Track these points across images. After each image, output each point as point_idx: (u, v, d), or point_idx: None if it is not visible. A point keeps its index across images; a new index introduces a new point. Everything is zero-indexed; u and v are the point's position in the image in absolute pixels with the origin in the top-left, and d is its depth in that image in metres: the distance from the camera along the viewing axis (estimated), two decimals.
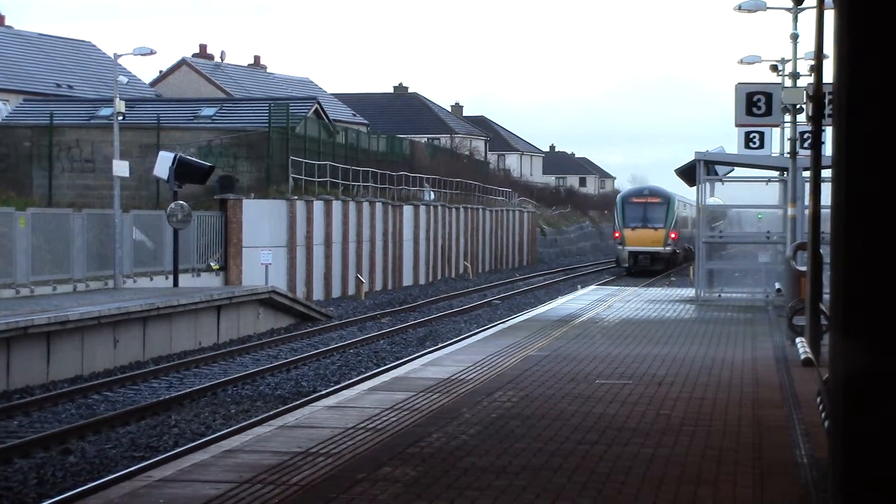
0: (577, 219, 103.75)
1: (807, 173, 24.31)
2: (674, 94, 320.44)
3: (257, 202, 43.75)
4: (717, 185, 35.29)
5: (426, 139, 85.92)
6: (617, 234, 63.66)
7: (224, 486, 10.34)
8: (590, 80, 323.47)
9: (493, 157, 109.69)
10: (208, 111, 51.98)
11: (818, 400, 12.69)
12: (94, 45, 70.84)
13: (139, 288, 34.71)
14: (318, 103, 59.86)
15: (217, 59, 79.69)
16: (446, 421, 13.46)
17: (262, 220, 43.28)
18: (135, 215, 36.90)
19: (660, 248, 61.08)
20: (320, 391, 22.91)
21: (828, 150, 20.10)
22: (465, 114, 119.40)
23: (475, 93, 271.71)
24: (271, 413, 19.80)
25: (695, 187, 32.65)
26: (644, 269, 59.88)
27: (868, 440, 6.72)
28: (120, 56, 39.37)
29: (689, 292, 34.81)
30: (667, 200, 61.72)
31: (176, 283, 36.08)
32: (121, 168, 35.56)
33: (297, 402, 20.81)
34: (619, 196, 66.76)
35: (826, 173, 19.16)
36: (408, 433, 12.73)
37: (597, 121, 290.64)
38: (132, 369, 26.65)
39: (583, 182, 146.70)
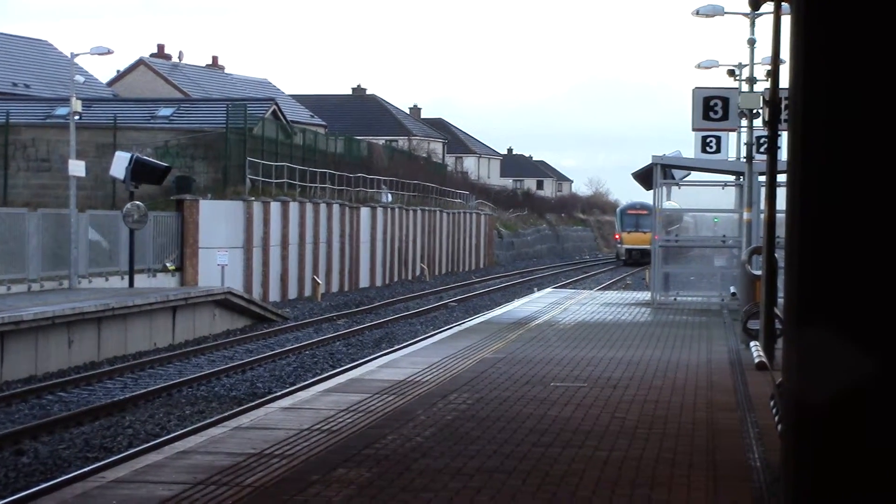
0: (535, 221, 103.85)
1: (763, 178, 24.41)
2: (631, 97, 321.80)
3: (214, 203, 43.57)
4: (674, 189, 35.31)
5: (384, 141, 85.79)
6: (617, 236, 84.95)
7: (178, 488, 10.27)
8: (548, 83, 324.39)
9: (450, 160, 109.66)
10: (165, 111, 51.75)
11: (772, 403, 12.75)
12: (51, 45, 70.34)
13: (94, 288, 34.50)
14: (276, 104, 59.73)
15: (175, 59, 79.34)
16: (401, 423, 13.40)
17: (218, 220, 43.10)
18: (91, 215, 36.67)
19: (648, 247, 78.08)
20: (275, 392, 22.82)
21: (783, 154, 20.21)
22: (423, 116, 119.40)
23: (433, 95, 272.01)
24: (226, 414, 19.72)
25: (651, 191, 32.71)
26: (636, 261, 76.73)
27: (819, 443, 6.76)
28: (77, 55, 39.12)
29: (645, 296, 34.87)
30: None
31: (131, 284, 35.89)
32: (77, 168, 35.32)
33: (253, 404, 20.71)
34: (618, 209, 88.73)
35: (782, 178, 19.25)
36: (363, 435, 12.67)
37: (554, 124, 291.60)
38: (87, 370, 26.46)
39: (540, 185, 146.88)
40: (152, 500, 9.90)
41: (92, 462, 16.61)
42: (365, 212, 58.44)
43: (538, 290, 45.27)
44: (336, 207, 54.38)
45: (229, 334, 34.35)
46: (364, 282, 57.74)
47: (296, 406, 14.71)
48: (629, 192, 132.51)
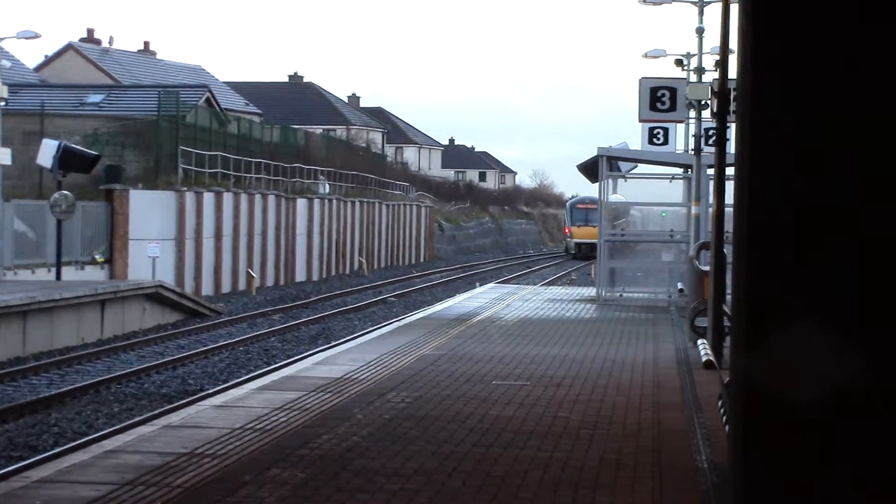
0: (477, 214, 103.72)
1: (711, 171, 24.18)
2: (578, 87, 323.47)
3: (145, 193, 43.03)
4: (621, 181, 35.13)
5: (321, 130, 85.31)
6: (566, 230, 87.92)
7: (105, 488, 10.11)
8: (491, 72, 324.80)
9: (390, 150, 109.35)
10: (95, 98, 51.08)
11: (719, 403, 12.54)
12: None
13: (20, 280, 33.90)
14: (210, 91, 59.19)
15: (105, 44, 78.14)
16: (337, 422, 13.21)
17: (150, 211, 42.54)
18: (16, 205, 36.13)
19: (596, 241, 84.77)
20: (207, 390, 22.51)
21: (733, 146, 19.93)
22: (362, 105, 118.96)
23: (373, 83, 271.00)
24: (156, 412, 19.40)
25: (597, 184, 32.43)
26: (585, 255, 77.14)
27: (766, 444, 6.60)
28: (3, 39, 38.52)
29: (591, 291, 34.71)
30: None
31: (59, 276, 35.29)
32: (2, 156, 34.86)
33: (183, 402, 20.38)
34: (567, 203, 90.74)
35: (731, 171, 18.96)
36: (297, 434, 12.49)
37: (497, 114, 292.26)
38: (11, 365, 25.94)
39: (482, 176, 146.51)
40: (78, 501, 9.79)
41: (16, 461, 16.30)
42: (301, 203, 57.98)
43: (480, 285, 44.95)
44: (272, 198, 53.89)
45: (160, 329, 33.90)
46: (300, 275, 57.32)
47: (228, 404, 14.54)
48: (574, 185, 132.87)
